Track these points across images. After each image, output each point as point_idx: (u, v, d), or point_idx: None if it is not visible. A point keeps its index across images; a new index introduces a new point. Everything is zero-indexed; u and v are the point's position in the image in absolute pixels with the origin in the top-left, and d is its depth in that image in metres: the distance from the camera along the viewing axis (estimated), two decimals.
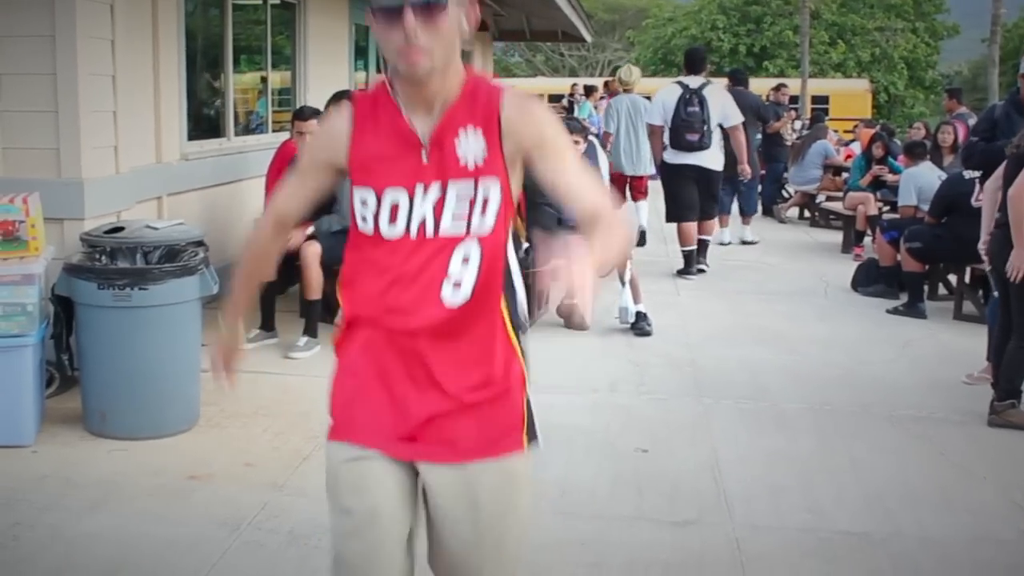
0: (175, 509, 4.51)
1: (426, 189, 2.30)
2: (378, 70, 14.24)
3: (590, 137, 8.71)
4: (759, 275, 10.74)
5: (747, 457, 5.33)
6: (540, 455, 4.98)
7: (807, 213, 15.45)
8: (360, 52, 13.33)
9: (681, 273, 10.51)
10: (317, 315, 7.13)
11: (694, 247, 10.51)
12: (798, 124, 18.91)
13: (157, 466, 4.98)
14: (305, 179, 2.50)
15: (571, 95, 24.24)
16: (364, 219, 2.35)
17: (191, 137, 8.28)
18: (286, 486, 4.75)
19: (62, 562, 4.03)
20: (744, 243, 12.78)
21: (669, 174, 10.50)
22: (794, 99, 24.28)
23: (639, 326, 7.78)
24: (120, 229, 5.56)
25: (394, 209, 2.32)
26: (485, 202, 2.32)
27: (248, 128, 9.96)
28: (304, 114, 7.64)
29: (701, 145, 10.11)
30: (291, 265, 7.23)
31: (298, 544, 4.17)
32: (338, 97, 8.50)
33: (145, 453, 5.15)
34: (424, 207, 2.31)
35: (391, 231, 2.33)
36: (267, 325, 7.24)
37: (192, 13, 8.42)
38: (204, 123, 8.95)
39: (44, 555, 4.09)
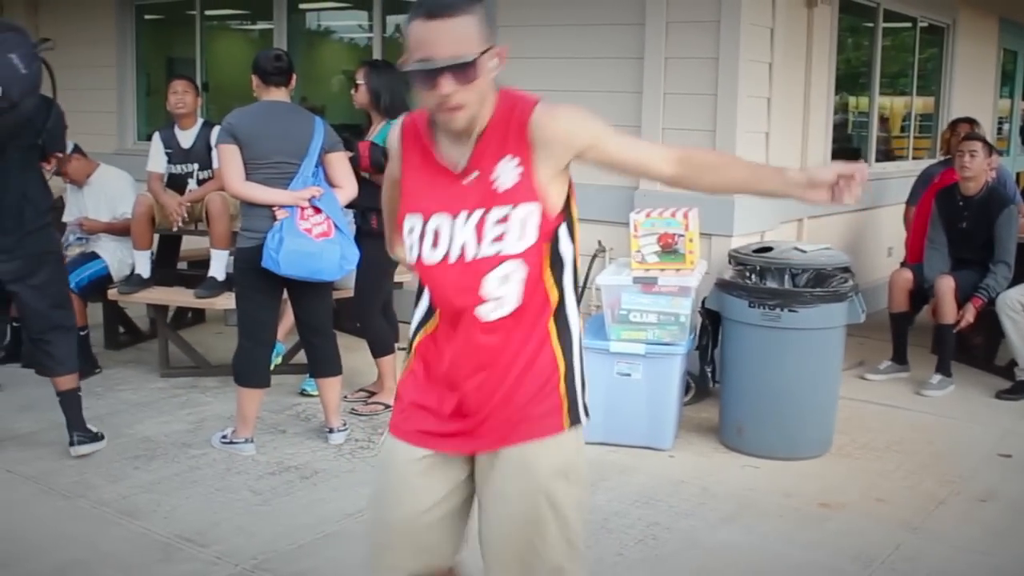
0: (806, 534, 4.49)
1: (468, 215, 2.37)
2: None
3: None
4: None
5: None
6: None
7: None
8: (1006, 78, 12.66)
9: None
10: (950, 351, 6.82)
11: None
12: None
13: (789, 488, 5.00)
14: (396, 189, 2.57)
15: None
16: (411, 248, 2.45)
17: (834, 158, 8.25)
18: (920, 528, 4.57)
19: (698, 567, 4.16)
20: None
21: None
22: None
23: None
24: (768, 249, 5.63)
25: (436, 235, 2.40)
26: (523, 224, 2.35)
27: (889, 154, 9.78)
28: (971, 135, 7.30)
29: None
30: (923, 294, 7.00)
31: None
32: (957, 122, 8.17)
33: (777, 473, 5.19)
34: (465, 231, 2.37)
35: (432, 256, 2.41)
36: (899, 357, 7.03)
37: (844, 36, 8.39)
38: (846, 146, 8.90)
39: (680, 557, 4.23)
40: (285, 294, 5.34)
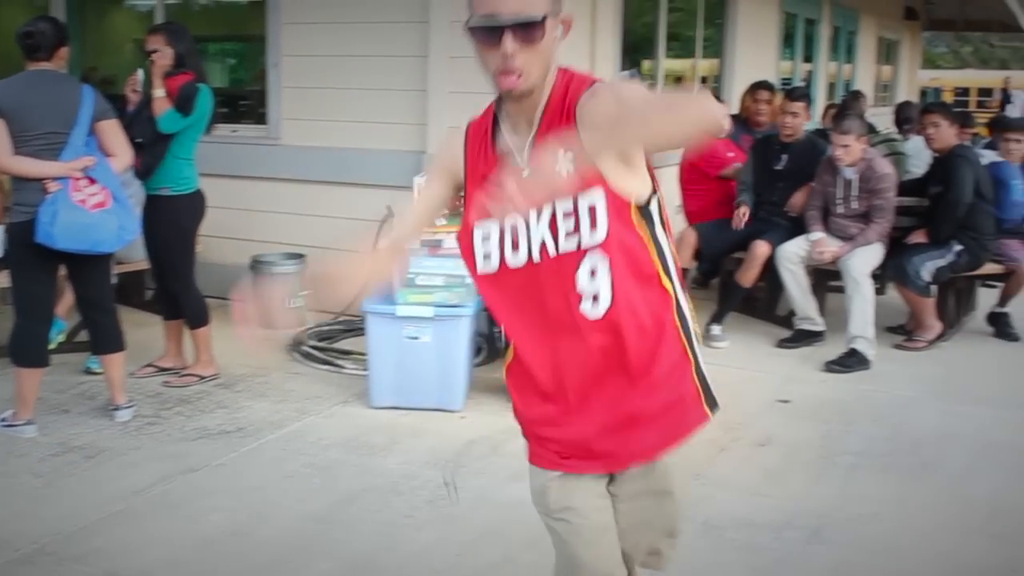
0: None
1: (539, 212, 2.21)
2: (804, 60, 13.99)
3: None
4: None
5: None
6: (968, 472, 4.68)
7: None
8: (788, 40, 13.11)
9: None
10: (733, 307, 7.07)
11: None
12: None
13: None
14: (431, 188, 2.47)
15: (1004, 89, 22.78)
16: (487, 256, 2.31)
17: None
18: (703, 475, 4.73)
19: (487, 525, 4.22)
20: None
21: None
22: None
23: None
24: None
25: (515, 236, 2.26)
26: (591, 213, 2.18)
27: None
28: (795, 95, 7.52)
29: None
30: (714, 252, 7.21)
31: (712, 535, 4.14)
32: (755, 87, 8.41)
33: None
34: (540, 228, 2.23)
35: (516, 259, 2.27)
36: None
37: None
38: None
39: (471, 516, 4.30)
40: (64, 270, 5.18)
